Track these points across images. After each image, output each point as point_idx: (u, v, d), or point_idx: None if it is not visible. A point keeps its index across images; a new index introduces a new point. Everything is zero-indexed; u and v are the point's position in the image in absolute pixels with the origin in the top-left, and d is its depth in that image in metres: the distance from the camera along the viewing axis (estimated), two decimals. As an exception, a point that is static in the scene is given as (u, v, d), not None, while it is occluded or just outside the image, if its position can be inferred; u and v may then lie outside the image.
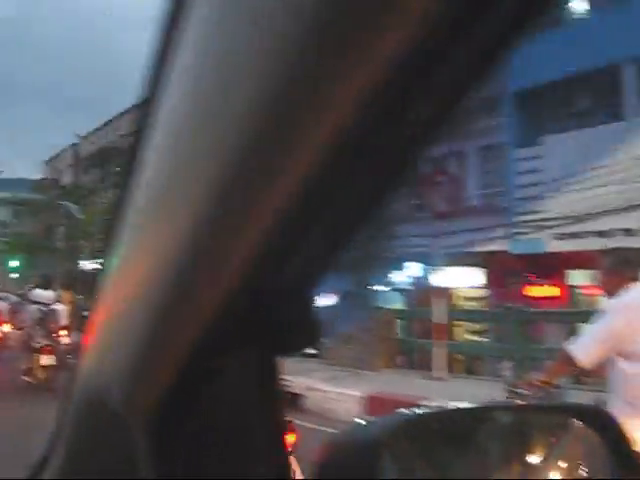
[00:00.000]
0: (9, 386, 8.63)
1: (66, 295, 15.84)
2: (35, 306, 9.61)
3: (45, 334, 9.09)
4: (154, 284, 0.46)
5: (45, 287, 10.12)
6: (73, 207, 21.27)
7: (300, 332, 0.47)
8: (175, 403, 0.50)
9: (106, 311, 0.58)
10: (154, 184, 0.45)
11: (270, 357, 0.53)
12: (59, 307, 9.83)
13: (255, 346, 0.49)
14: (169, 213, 0.43)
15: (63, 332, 9.36)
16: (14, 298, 15.31)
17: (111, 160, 27.05)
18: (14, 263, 35.68)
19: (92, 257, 20.27)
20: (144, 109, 0.45)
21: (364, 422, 0.78)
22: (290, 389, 7.12)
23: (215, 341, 0.45)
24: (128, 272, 0.52)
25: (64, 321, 9.60)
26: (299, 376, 7.71)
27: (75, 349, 9.48)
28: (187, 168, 0.39)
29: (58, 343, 9.11)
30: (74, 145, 32.99)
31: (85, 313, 0.90)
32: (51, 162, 37.21)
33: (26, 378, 8.90)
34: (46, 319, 9.27)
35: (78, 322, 9.30)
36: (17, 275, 37.24)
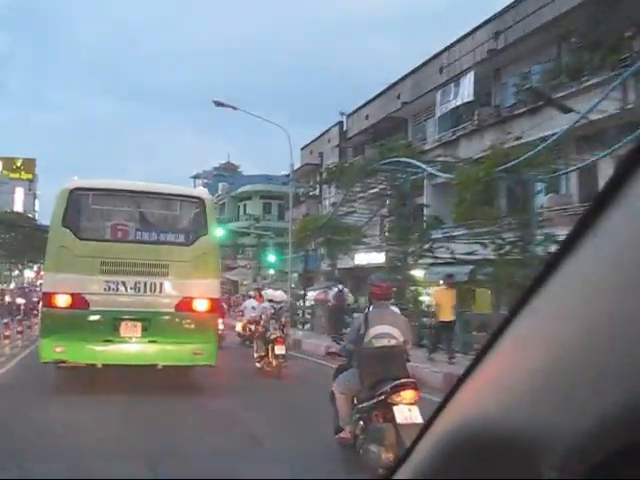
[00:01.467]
0: (245, 371, 10.50)
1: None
2: (268, 303, 10.95)
3: (278, 327, 10.35)
4: None
5: (306, 285, 13.71)
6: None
7: None
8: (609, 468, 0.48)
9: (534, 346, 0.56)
10: None
11: None
12: (285, 305, 11.71)
13: None
14: None
15: (285, 327, 10.86)
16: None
17: (395, 131, 22.43)
18: (271, 258, 33.66)
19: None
20: None
21: None
22: None
23: None
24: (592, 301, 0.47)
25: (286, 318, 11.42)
26: None
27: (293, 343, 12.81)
28: None
29: (286, 336, 10.59)
30: (339, 124, 29.61)
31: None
32: (308, 147, 34.56)
33: (258, 365, 10.49)
34: (277, 314, 10.54)
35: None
36: (273, 272, 35.24)
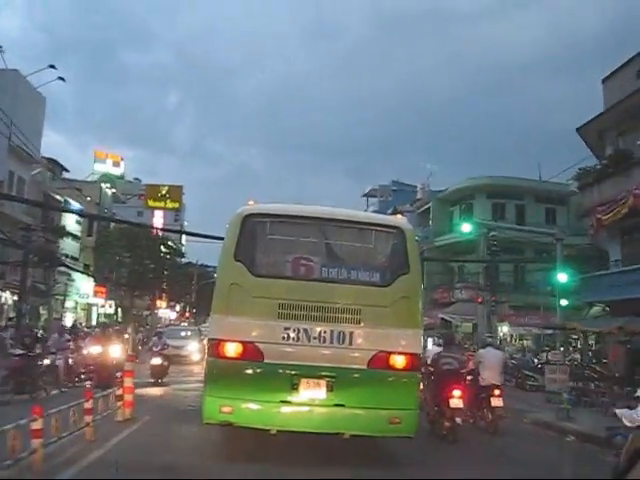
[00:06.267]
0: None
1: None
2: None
3: None
4: None
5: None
6: None
7: None
8: None
9: None
10: None
11: None
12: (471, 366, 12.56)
13: None
14: None
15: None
16: None
17: None
18: (562, 277, 18.48)
19: None
20: None
21: None
22: None
23: None
24: None
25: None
26: None
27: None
28: None
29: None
30: None
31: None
32: (619, 75, 18.91)
33: (471, 420, 11.17)
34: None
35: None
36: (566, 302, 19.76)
